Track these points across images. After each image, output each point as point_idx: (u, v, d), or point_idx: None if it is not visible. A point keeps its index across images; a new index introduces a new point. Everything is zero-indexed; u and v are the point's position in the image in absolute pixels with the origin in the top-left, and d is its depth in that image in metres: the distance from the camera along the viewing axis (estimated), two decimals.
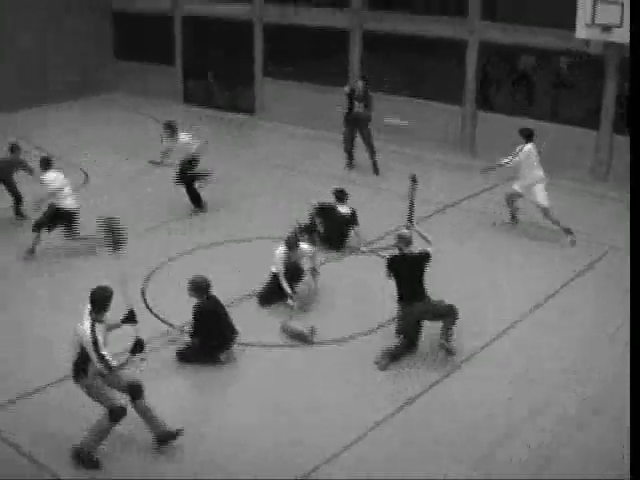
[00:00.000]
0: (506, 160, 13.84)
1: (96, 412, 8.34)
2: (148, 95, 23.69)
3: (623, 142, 15.18)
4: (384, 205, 15.35)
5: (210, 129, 20.09)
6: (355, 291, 12.02)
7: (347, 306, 11.61)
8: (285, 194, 16.09)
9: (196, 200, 15.16)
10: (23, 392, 9.46)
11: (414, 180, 11.31)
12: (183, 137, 14.79)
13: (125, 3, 24.36)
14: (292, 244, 11.50)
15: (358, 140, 17.39)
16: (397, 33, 18.96)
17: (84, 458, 8.24)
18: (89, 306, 8.18)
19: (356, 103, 17.02)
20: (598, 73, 16.50)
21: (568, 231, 13.69)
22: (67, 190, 13.16)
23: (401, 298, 10.14)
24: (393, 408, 9.25)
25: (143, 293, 11.83)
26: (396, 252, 10.37)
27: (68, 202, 13.09)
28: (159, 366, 9.92)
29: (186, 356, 10.14)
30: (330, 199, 13.60)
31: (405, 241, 10.24)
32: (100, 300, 8.17)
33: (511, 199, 14.26)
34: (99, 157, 18.35)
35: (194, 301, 10.12)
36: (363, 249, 13.36)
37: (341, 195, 13.56)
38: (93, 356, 8.02)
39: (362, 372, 9.95)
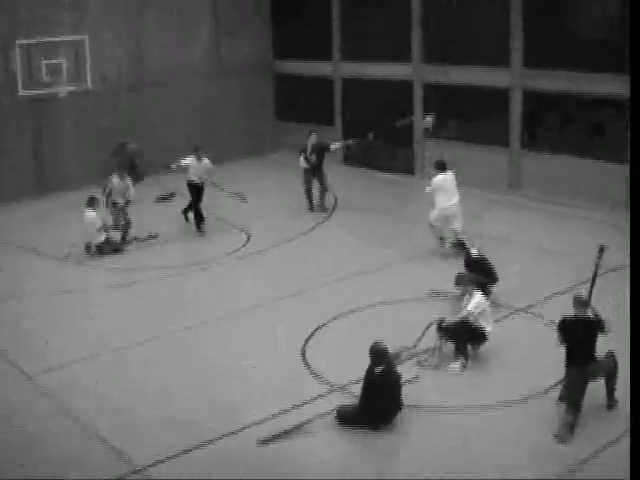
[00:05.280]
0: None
1: None
2: None
3: None
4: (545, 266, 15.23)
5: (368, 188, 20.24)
6: (520, 352, 11.82)
7: (510, 367, 11.44)
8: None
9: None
10: None
11: (601, 251, 10.80)
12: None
13: (286, 66, 25.25)
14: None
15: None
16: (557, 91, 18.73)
17: None
18: None
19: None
20: None
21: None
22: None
23: (570, 363, 9.79)
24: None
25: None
26: (569, 315, 9.98)
27: None
28: (320, 424, 10.04)
29: (345, 419, 10.07)
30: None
31: (580, 303, 9.85)
32: None
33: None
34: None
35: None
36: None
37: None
38: None
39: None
